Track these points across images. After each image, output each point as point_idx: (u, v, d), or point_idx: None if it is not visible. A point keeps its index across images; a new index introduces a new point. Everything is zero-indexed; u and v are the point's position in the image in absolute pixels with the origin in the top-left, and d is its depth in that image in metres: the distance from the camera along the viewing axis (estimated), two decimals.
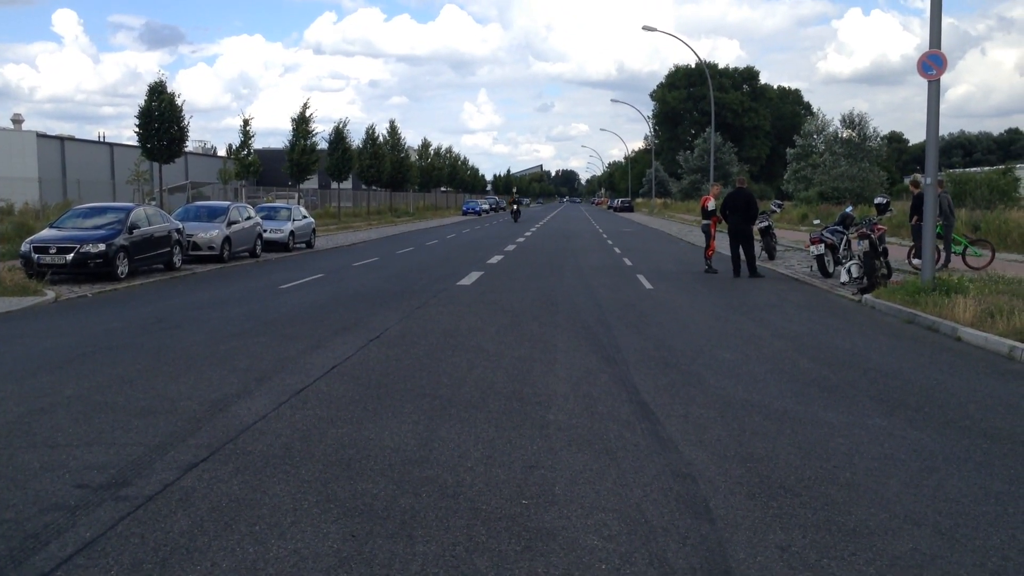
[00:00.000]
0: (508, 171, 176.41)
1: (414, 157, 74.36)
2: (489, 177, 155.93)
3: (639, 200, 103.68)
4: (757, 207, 19.15)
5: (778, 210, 28.09)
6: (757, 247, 20.25)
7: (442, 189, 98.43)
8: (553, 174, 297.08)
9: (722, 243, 22.74)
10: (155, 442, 6.00)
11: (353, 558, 4.13)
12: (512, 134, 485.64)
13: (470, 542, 4.33)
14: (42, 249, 16.75)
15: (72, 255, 16.62)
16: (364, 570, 3.99)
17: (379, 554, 4.17)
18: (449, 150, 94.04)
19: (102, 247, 16.85)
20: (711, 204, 20.01)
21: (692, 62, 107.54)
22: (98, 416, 6.71)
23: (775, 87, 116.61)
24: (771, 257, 22.85)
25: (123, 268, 17.31)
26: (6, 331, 11.19)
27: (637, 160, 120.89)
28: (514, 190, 72.97)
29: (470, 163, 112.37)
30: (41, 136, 53.47)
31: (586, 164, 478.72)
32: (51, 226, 18.58)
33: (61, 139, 56.36)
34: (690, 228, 44.52)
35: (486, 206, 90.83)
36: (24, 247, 17.13)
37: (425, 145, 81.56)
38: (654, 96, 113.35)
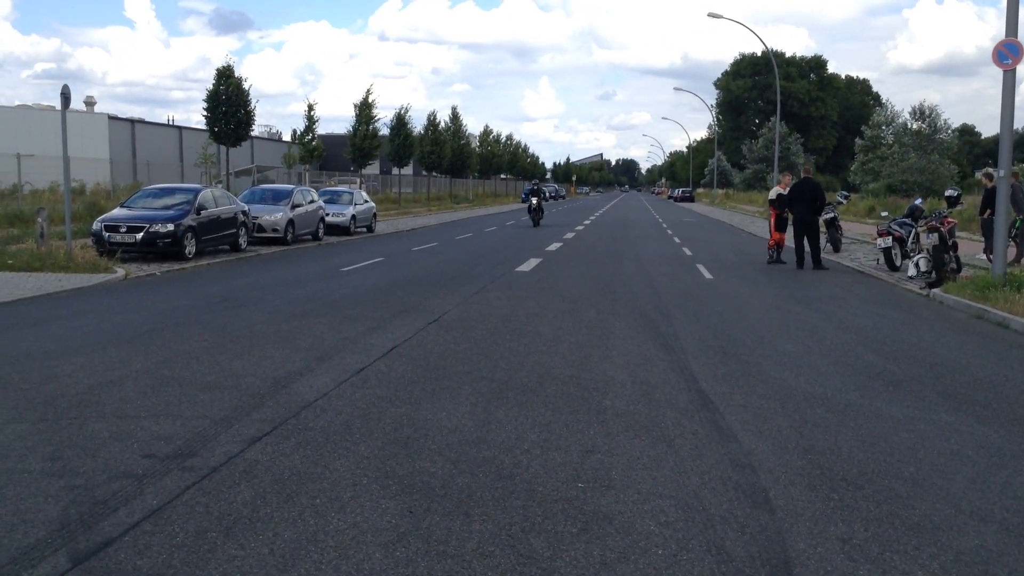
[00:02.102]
0: (568, 159, 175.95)
1: (475, 144, 74.57)
2: (549, 165, 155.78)
3: (700, 190, 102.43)
4: (824, 198, 18.78)
5: (844, 202, 27.52)
6: (822, 239, 19.86)
7: (502, 176, 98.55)
8: (613, 163, 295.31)
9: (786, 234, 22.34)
10: (220, 416, 6.14)
11: (411, 533, 4.17)
12: (573, 122, 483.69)
13: (526, 522, 4.35)
14: (113, 228, 17.20)
15: (142, 234, 17.04)
16: (422, 545, 4.04)
17: (436, 530, 4.21)
18: (509, 138, 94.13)
19: (171, 227, 17.24)
20: (776, 193, 19.70)
21: (758, 50, 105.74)
22: (165, 389, 6.88)
23: (843, 77, 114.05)
24: (836, 249, 22.39)
25: (191, 248, 17.70)
26: (78, 307, 11.54)
27: (699, 149, 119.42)
28: (533, 183, 44.98)
29: (530, 151, 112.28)
30: (112, 119, 54.93)
31: (647, 153, 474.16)
32: (122, 206, 19.07)
33: (132, 122, 57.78)
34: (752, 219, 43.87)
35: (546, 193, 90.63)
36: (95, 226, 17.61)
37: (486, 132, 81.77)
38: (718, 84, 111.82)
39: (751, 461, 5.39)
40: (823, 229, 20.75)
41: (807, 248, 18.27)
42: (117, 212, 18.35)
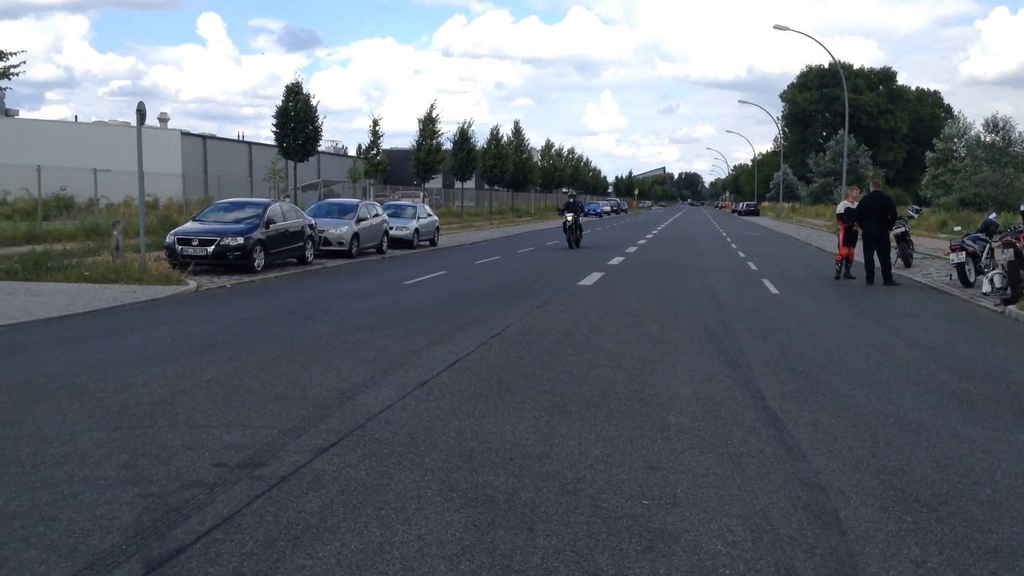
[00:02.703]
0: (630, 173, 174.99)
1: (537, 158, 74.82)
2: (611, 179, 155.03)
3: (765, 204, 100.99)
4: (895, 211, 18.36)
5: (916, 215, 26.83)
6: (893, 254, 19.40)
7: (563, 190, 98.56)
8: (676, 176, 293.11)
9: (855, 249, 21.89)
10: (288, 426, 6.25)
11: (475, 547, 4.19)
12: (635, 136, 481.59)
13: (591, 538, 4.32)
14: (185, 241, 17.66)
15: (213, 247, 17.47)
16: (486, 559, 4.05)
17: (500, 544, 4.22)
18: (571, 151, 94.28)
19: (240, 240, 17.64)
20: (844, 206, 19.33)
21: (825, 62, 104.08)
22: (235, 399, 7.03)
23: (913, 89, 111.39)
24: (907, 264, 21.85)
25: (259, 261, 18.07)
26: (152, 317, 11.87)
27: (764, 163, 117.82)
28: (568, 195, 37.47)
29: (592, 164, 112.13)
30: (185, 134, 56.54)
31: (710, 167, 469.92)
32: (194, 219, 19.58)
33: (203, 137, 59.40)
34: (819, 233, 43.09)
35: (607, 208, 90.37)
36: (169, 239, 18.11)
37: (548, 146, 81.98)
38: (784, 97, 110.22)
39: (821, 481, 5.28)
40: (893, 244, 20.26)
41: (877, 263, 17.86)
42: (189, 226, 18.84)
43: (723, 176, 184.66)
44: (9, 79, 16.62)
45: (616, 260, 24.00)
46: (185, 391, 7.31)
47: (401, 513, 4.60)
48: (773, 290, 16.61)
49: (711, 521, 4.59)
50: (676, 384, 7.97)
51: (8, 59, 16.37)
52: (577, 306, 13.65)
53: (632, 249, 29.49)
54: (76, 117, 69.84)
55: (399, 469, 5.33)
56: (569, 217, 29.63)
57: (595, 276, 18.86)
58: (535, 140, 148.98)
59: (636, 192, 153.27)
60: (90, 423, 6.26)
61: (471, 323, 11.51)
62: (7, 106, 61.23)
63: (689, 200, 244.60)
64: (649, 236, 39.96)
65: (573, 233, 29.55)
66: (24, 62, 16.71)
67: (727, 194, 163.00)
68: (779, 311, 13.48)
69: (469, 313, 12.51)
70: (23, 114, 64.40)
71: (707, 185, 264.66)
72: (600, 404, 7.13)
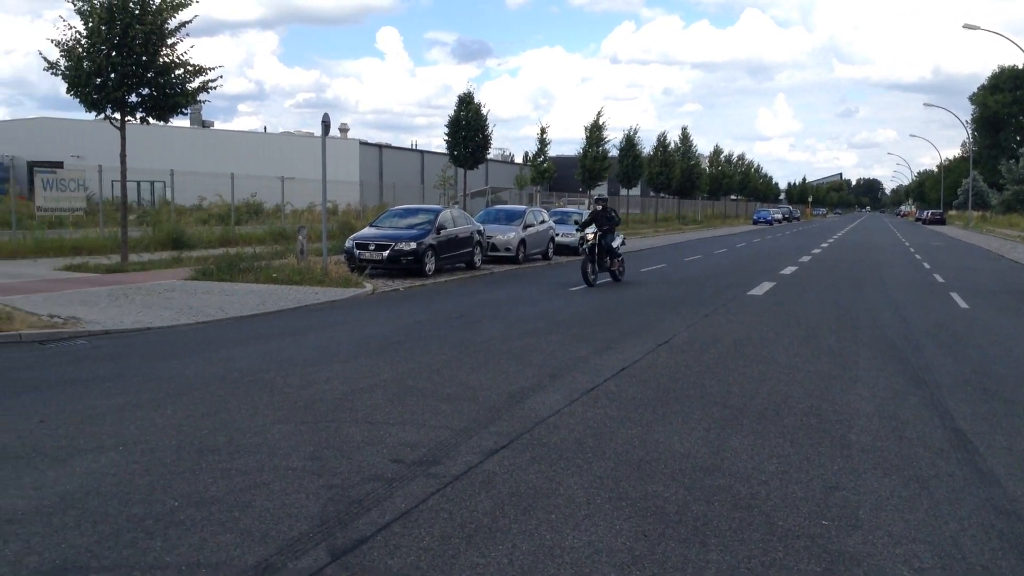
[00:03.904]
0: (803, 179, 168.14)
1: (704, 164, 73.42)
2: (783, 185, 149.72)
3: (952, 212, 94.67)
4: None
5: None
6: None
7: (732, 197, 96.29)
8: (853, 183, 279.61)
9: None
10: (460, 426, 6.42)
11: (646, 557, 4.15)
12: (811, 140, 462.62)
13: (766, 557, 4.19)
14: (363, 246, 18.48)
15: (387, 252, 18.19)
16: (657, 570, 4.00)
17: (672, 557, 4.16)
18: (741, 157, 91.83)
19: (413, 245, 18.27)
20: None
21: (1019, 62, 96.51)
22: (410, 399, 7.29)
23: None
24: None
25: (430, 265, 18.66)
26: (333, 318, 12.49)
27: (951, 169, 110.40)
28: (596, 200, 19.35)
29: (763, 171, 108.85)
30: (363, 144, 59.33)
31: (892, 173, 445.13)
32: (371, 225, 20.47)
33: (380, 147, 62.05)
34: (1013, 244, 40.04)
35: (778, 215, 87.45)
36: (348, 243, 19.01)
37: (716, 152, 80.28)
38: (974, 100, 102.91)
39: (1017, 508, 4.90)
40: None
41: None
42: (366, 231, 19.71)
43: (906, 183, 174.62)
44: (208, 93, 17.86)
45: (788, 270, 23.17)
46: (364, 389, 7.64)
47: (571, 518, 4.62)
48: (963, 304, 15.55)
49: (896, 546, 4.35)
50: (856, 401, 7.61)
51: (207, 74, 17.61)
52: (747, 316, 13.28)
53: (805, 259, 28.38)
54: (265, 128, 74.56)
55: (568, 474, 5.36)
56: (590, 234, 17.36)
57: (766, 286, 18.29)
58: (703, 146, 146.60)
59: (810, 199, 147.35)
60: (279, 416, 6.66)
61: (637, 331, 11.43)
62: (203, 118, 66.18)
63: (867, 207, 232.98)
64: (824, 245, 38.34)
65: (596, 258, 17.34)
66: (221, 76, 17.88)
67: (909, 201, 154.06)
68: (969, 326, 12.61)
69: (635, 321, 12.43)
70: (218, 125, 69.42)
71: (887, 192, 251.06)
72: (773, 418, 6.91)
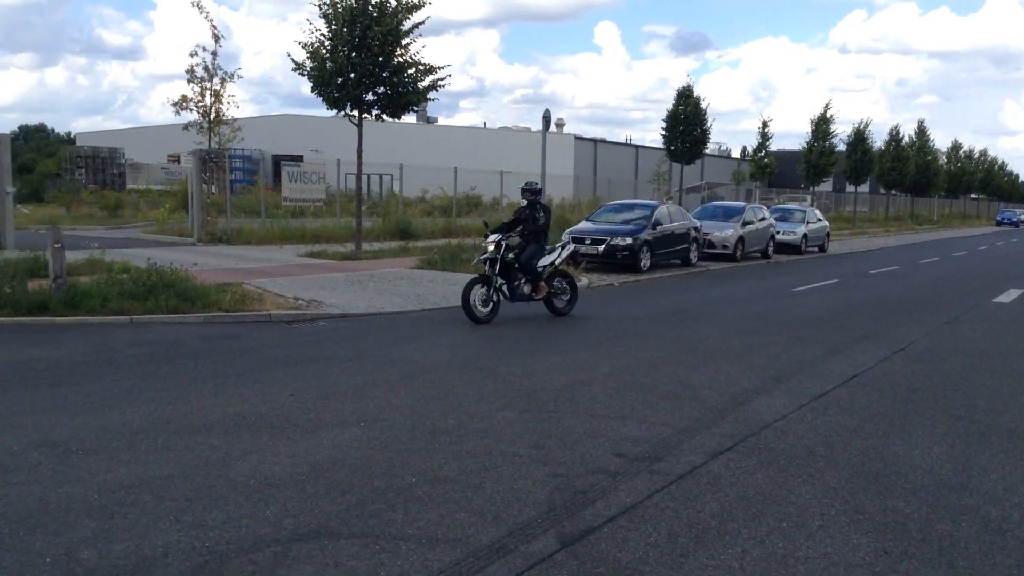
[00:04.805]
0: None
1: (942, 160, 68.16)
2: None
3: None
4: None
5: None
6: None
7: (972, 196, 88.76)
8: None
9: None
10: (681, 425, 6.34)
11: (886, 575, 3.92)
12: None
13: None
14: (579, 240, 18.63)
15: (603, 247, 18.26)
16: None
17: None
18: (983, 153, 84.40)
19: (629, 241, 18.25)
20: None
21: None
22: (629, 394, 7.28)
23: None
24: None
25: (646, 261, 18.55)
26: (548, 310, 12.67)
27: None
28: (525, 188, 12.10)
29: (1008, 168, 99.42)
30: (578, 139, 59.86)
31: None
32: (587, 219, 20.63)
33: (594, 141, 62.42)
34: None
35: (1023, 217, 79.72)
36: (564, 237, 19.19)
37: (955, 147, 74.26)
38: None
39: None
40: None
41: None
42: (583, 225, 19.89)
43: None
44: (437, 91, 18.63)
45: None
46: (583, 381, 7.72)
47: (803, 528, 4.44)
48: None
49: None
50: None
51: (437, 72, 18.38)
52: (993, 324, 12.21)
53: None
54: (484, 123, 77.11)
55: (799, 482, 5.15)
56: (491, 244, 11.59)
57: (1014, 293, 16.73)
58: (940, 141, 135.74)
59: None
60: (503, 403, 6.86)
61: (868, 336, 10.80)
62: (428, 114, 69.24)
63: None
64: None
65: (496, 279, 11.46)
66: (449, 75, 18.59)
67: None
68: None
69: (866, 325, 11.75)
70: (441, 121, 72.43)
71: None
72: None
